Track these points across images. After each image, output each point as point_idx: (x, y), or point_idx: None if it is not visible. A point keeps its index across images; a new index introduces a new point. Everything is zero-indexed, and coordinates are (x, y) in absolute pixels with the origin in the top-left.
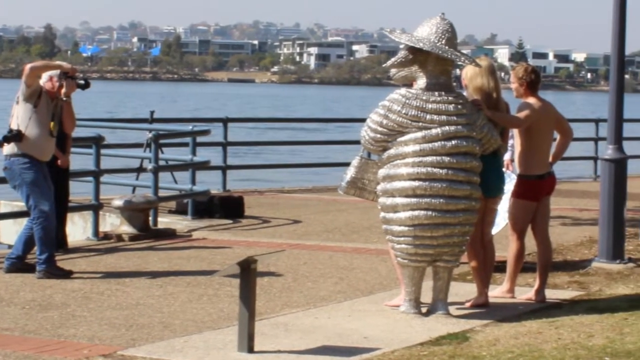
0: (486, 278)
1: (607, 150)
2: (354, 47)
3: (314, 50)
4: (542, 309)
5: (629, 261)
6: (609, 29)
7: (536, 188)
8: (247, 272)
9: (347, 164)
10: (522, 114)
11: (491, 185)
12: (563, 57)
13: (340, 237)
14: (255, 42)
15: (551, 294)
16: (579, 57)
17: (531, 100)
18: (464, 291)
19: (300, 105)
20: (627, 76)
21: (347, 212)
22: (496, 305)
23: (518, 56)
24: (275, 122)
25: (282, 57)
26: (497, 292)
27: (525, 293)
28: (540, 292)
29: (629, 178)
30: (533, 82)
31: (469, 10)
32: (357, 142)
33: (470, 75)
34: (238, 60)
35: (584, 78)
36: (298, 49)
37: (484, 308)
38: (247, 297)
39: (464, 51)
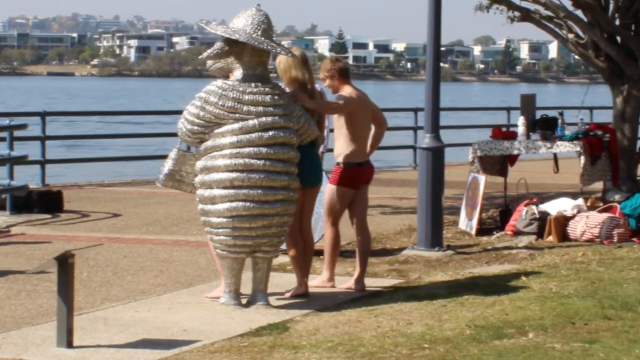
0: (305, 268)
1: (425, 139)
2: (174, 39)
3: (133, 42)
4: (362, 297)
5: (448, 249)
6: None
7: (356, 176)
8: (65, 266)
9: (166, 157)
10: (342, 100)
11: (309, 176)
12: (383, 47)
13: (160, 230)
14: (75, 35)
15: (371, 283)
16: (399, 47)
17: (347, 89)
18: (283, 281)
19: (120, 99)
20: (446, 65)
21: (166, 204)
22: (316, 294)
23: (338, 47)
24: (94, 115)
25: (101, 50)
26: (318, 282)
27: (346, 282)
28: (359, 280)
29: (447, 166)
30: (343, 70)
31: (289, 1)
32: (176, 135)
33: (284, 67)
34: (57, 53)
35: (404, 68)
36: (118, 42)
37: (304, 298)
38: (65, 291)
39: (284, 42)
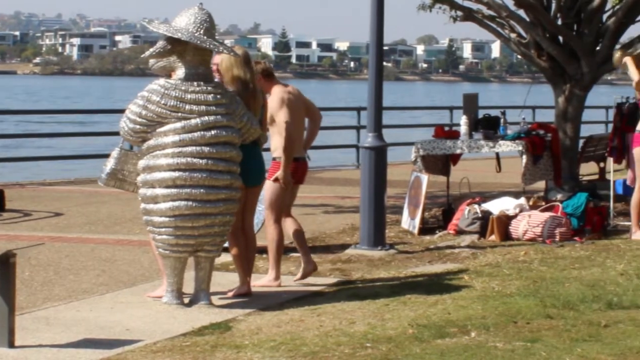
0: (248, 267)
1: (367, 138)
2: (117, 38)
3: (76, 41)
4: (304, 296)
5: (390, 248)
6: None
7: (295, 170)
8: (6, 266)
9: (109, 156)
10: (284, 115)
11: (252, 175)
12: (326, 46)
13: (102, 229)
14: (17, 33)
15: (314, 282)
16: (342, 46)
17: (276, 89)
18: (226, 281)
19: (62, 98)
20: (389, 64)
21: (109, 203)
22: (258, 294)
23: (281, 45)
24: (37, 114)
25: (44, 48)
26: (264, 282)
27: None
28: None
29: (390, 165)
30: (265, 71)
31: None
32: (118, 134)
33: (226, 66)
34: None
35: (347, 67)
36: (60, 40)
37: (246, 297)
38: (7, 291)
39: (227, 41)
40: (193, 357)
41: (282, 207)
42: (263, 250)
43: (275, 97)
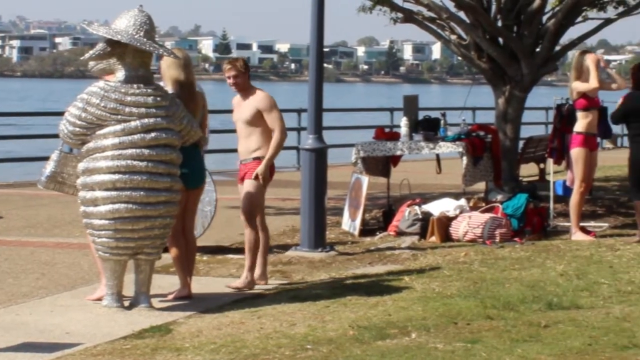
0: (188, 269)
1: (308, 140)
2: (57, 40)
3: (16, 43)
4: (245, 299)
5: (331, 249)
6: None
7: (272, 171)
8: None
9: (48, 158)
10: (276, 111)
11: (192, 177)
12: (267, 48)
13: (42, 232)
14: None
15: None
16: (283, 47)
17: (259, 90)
18: (166, 283)
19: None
20: (330, 66)
21: (49, 206)
22: (199, 296)
23: (222, 47)
24: None
25: None
26: (238, 284)
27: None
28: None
29: (330, 167)
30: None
31: (172, 1)
32: (58, 136)
33: (166, 68)
34: None
35: (287, 68)
36: (0, 42)
37: (187, 300)
38: None
39: (168, 43)
40: None
41: (261, 207)
42: (204, 251)
43: (266, 98)
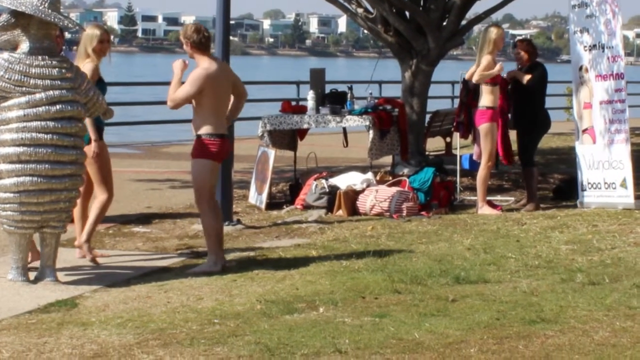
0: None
1: None
2: None
3: None
4: (151, 272)
5: (238, 223)
6: None
7: (221, 147)
8: None
9: None
10: (190, 85)
11: None
12: (172, 20)
13: None
14: None
15: (160, 258)
16: (189, 20)
17: (204, 62)
18: (72, 257)
19: None
20: (236, 39)
21: None
22: (106, 270)
23: (127, 19)
24: None
25: None
26: (204, 267)
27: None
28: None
29: (237, 140)
30: (196, 42)
31: None
32: None
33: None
34: None
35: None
36: None
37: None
38: None
39: (72, 15)
40: (39, 334)
41: (213, 186)
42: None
43: (191, 76)
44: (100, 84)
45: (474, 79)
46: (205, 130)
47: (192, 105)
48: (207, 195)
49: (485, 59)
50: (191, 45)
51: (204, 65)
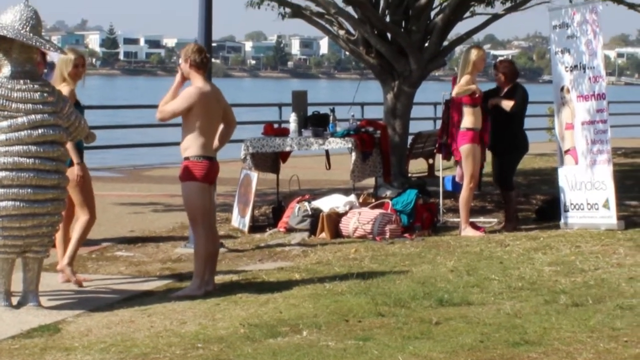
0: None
1: None
2: None
3: None
4: (134, 297)
5: (221, 246)
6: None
7: (209, 170)
8: None
9: None
10: (182, 99)
11: None
12: (154, 43)
13: None
14: None
15: (143, 281)
16: (170, 42)
17: (198, 82)
18: (55, 282)
19: None
20: (217, 61)
21: None
22: (88, 294)
23: (109, 42)
24: None
25: None
26: (187, 291)
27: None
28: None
29: (220, 162)
30: (196, 62)
31: None
32: None
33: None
34: None
35: (175, 63)
36: None
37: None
38: None
39: (54, 38)
40: None
41: (205, 209)
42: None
43: (184, 92)
44: (77, 108)
45: (453, 93)
46: (192, 152)
47: (181, 126)
48: (200, 218)
49: (464, 78)
50: (190, 64)
51: (198, 84)
